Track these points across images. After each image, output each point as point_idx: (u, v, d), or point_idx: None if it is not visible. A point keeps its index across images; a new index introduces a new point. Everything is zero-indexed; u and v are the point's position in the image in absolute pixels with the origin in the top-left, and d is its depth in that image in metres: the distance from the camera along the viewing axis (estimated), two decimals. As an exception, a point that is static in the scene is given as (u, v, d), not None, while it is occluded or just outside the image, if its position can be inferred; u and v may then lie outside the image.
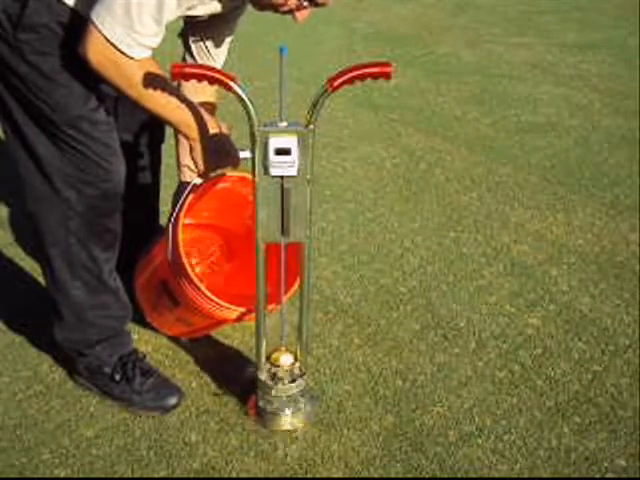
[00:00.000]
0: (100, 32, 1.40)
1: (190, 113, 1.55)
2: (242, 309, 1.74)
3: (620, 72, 4.83)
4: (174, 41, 1.81)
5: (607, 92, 4.40)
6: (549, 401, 1.88)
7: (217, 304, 1.70)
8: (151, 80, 1.47)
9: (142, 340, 2.06)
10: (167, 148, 2.00)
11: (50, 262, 1.72)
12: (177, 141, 1.77)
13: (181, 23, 1.76)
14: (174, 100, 1.52)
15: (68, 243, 1.68)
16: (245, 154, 1.62)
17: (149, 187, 2.02)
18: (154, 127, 1.90)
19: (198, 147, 1.59)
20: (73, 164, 1.60)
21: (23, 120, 1.58)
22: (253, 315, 1.71)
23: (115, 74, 1.45)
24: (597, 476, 1.66)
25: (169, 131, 1.73)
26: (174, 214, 1.69)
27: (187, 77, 1.46)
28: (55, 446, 1.72)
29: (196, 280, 1.67)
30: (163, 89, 1.49)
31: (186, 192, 1.68)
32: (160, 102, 1.51)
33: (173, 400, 1.83)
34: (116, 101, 1.68)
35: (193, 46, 1.80)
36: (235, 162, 1.67)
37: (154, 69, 1.48)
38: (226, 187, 1.81)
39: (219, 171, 1.68)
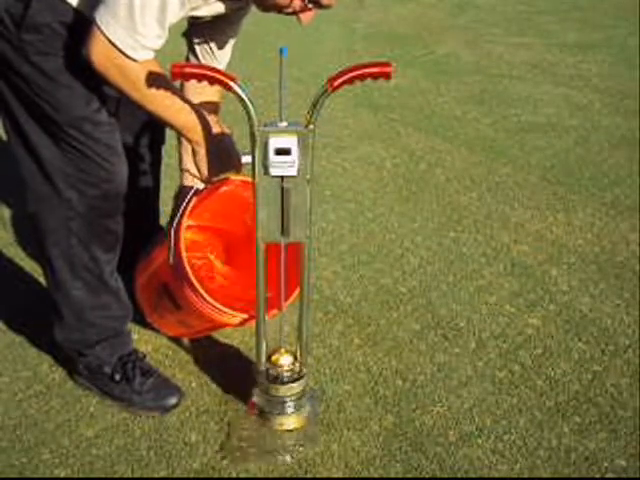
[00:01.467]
0: (103, 34, 1.39)
1: (193, 116, 1.54)
2: (244, 315, 1.74)
3: (620, 72, 4.83)
4: (177, 41, 1.81)
5: (607, 92, 4.40)
6: (549, 401, 1.88)
7: (219, 310, 1.70)
8: (154, 82, 1.46)
9: (142, 340, 2.06)
10: (167, 149, 2.00)
11: (51, 262, 1.72)
12: (179, 143, 1.76)
13: (184, 23, 1.76)
14: (177, 102, 1.52)
15: (69, 244, 1.67)
16: (248, 158, 1.61)
17: (149, 188, 2.01)
18: (155, 128, 1.90)
19: (201, 151, 1.59)
20: (74, 164, 1.59)
21: (25, 120, 1.58)
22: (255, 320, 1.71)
23: (118, 76, 1.45)
24: (597, 476, 1.66)
25: (169, 132, 1.72)
26: (176, 219, 1.68)
27: (187, 77, 1.45)
28: (55, 446, 1.72)
29: (198, 285, 1.66)
30: (166, 91, 1.48)
31: (188, 197, 1.67)
32: (163, 104, 1.50)
33: (173, 400, 1.83)
34: (118, 102, 1.68)
35: (197, 47, 1.79)
36: (238, 167, 1.67)
37: (157, 71, 1.47)
38: (228, 191, 1.80)
39: (222, 176, 1.68)
